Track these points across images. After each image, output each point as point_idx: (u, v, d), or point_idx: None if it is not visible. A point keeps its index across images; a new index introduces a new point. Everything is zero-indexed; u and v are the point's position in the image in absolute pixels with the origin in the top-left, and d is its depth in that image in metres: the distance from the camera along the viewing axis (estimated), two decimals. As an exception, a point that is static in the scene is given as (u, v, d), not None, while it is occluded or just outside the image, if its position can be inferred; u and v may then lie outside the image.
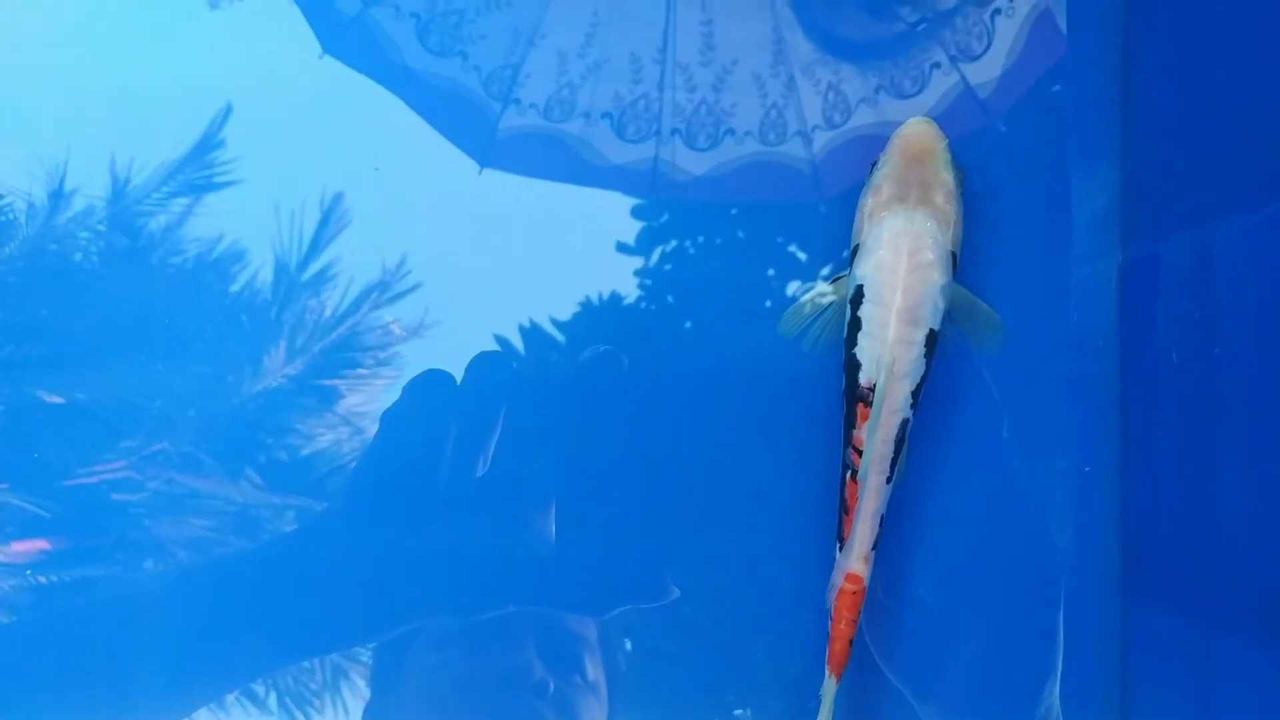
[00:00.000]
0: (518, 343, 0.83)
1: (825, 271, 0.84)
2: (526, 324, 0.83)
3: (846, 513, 0.75)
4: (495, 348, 0.83)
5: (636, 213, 0.85)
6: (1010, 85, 0.85)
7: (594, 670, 0.84)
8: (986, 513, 0.81)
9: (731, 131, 0.84)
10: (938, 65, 0.85)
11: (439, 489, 0.82)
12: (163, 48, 0.84)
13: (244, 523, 0.84)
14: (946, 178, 0.75)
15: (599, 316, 0.84)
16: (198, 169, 0.83)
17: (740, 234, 0.85)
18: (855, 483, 0.74)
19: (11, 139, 0.83)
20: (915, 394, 0.74)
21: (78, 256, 0.83)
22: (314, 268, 0.83)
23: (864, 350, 0.74)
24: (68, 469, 0.83)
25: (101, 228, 0.83)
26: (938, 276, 0.73)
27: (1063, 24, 0.84)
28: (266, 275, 0.83)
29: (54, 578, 0.83)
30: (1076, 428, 0.83)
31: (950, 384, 0.79)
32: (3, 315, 0.83)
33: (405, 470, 0.83)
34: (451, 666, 0.83)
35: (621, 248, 0.84)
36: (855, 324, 0.74)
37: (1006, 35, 0.85)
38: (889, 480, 0.74)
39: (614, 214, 0.85)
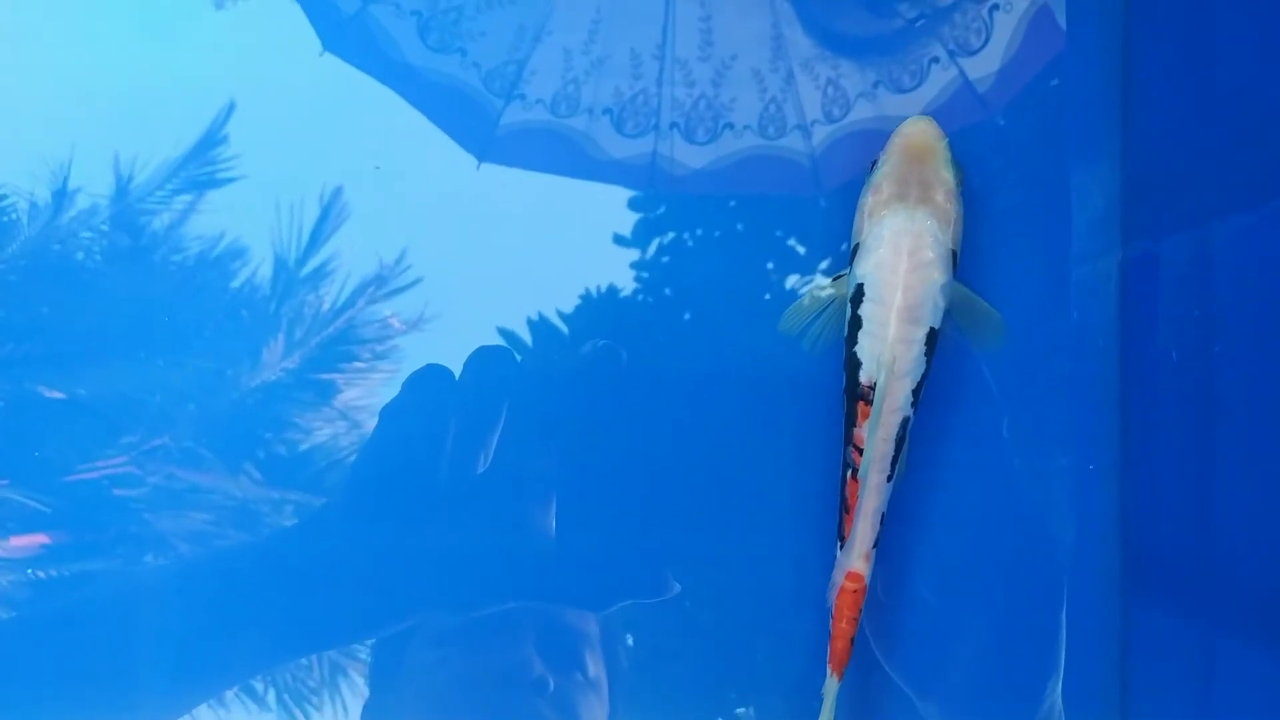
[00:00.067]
0: (517, 337, 0.83)
1: (824, 265, 0.84)
2: (526, 318, 0.83)
3: (847, 511, 0.75)
4: (494, 342, 0.83)
5: (635, 207, 0.85)
6: (1009, 80, 0.85)
7: (595, 667, 0.84)
8: (987, 511, 0.81)
9: (730, 126, 0.84)
10: (936, 60, 0.85)
11: (438, 484, 0.82)
12: (165, 47, 0.84)
13: (243, 517, 0.84)
14: (947, 176, 0.75)
15: (598, 310, 0.84)
16: (200, 166, 0.83)
17: (739, 227, 0.85)
18: (856, 481, 0.74)
19: (14, 139, 0.83)
20: (916, 392, 0.74)
21: (80, 255, 0.83)
22: (313, 263, 0.83)
23: (864, 349, 0.74)
24: (68, 465, 0.83)
25: (104, 226, 0.83)
26: (938, 275, 0.73)
27: (1062, 20, 0.84)
28: (266, 271, 0.83)
29: (54, 572, 0.83)
30: (1076, 427, 0.83)
31: (951, 382, 0.79)
32: (5, 313, 0.83)
33: (404, 465, 0.83)
34: (451, 663, 0.83)
35: (620, 241, 0.84)
36: (856, 322, 0.74)
37: (1005, 30, 0.85)
38: (890, 479, 0.74)
39: (613, 208, 0.85)
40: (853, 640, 0.75)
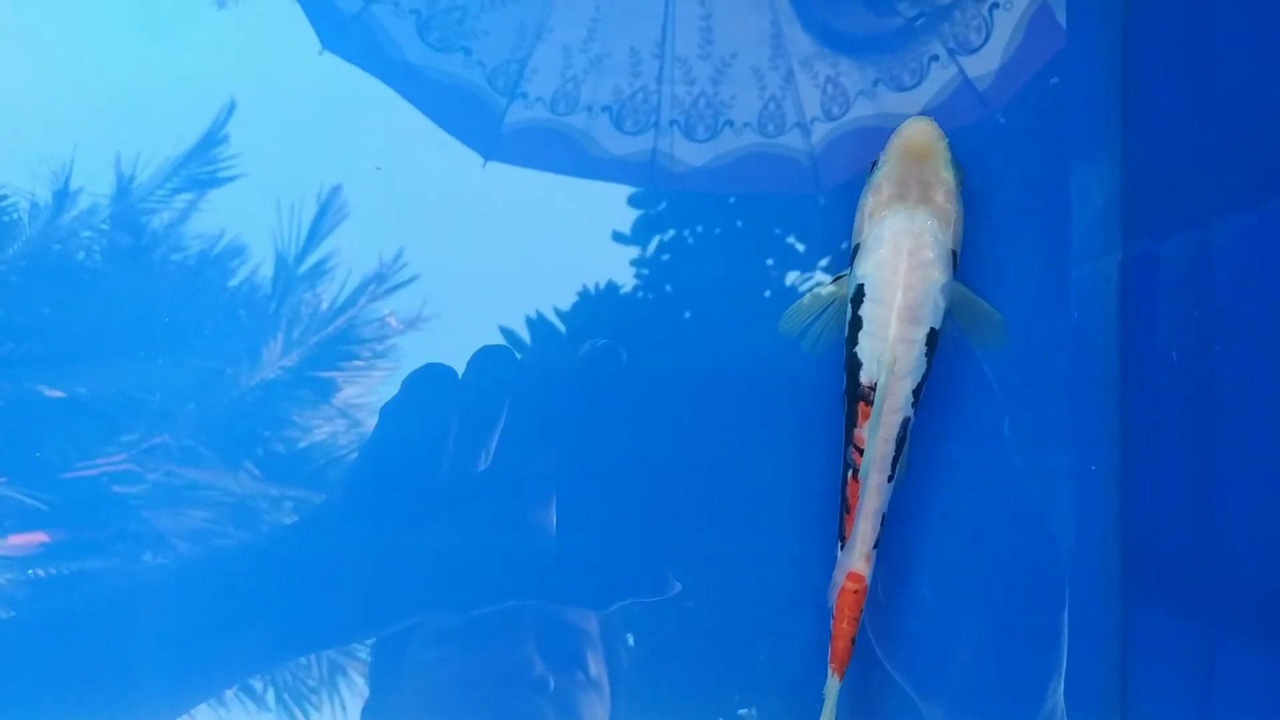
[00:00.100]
0: (518, 336, 0.83)
1: (824, 262, 0.84)
2: (526, 317, 0.83)
3: (848, 511, 0.75)
4: (494, 340, 0.83)
5: (635, 204, 0.85)
6: (1009, 78, 0.85)
7: (596, 667, 0.84)
8: (988, 511, 0.82)
9: (730, 123, 0.84)
10: (936, 58, 0.85)
11: (438, 483, 0.82)
12: (165, 46, 0.84)
13: (242, 514, 0.84)
14: (947, 176, 0.75)
15: (598, 308, 0.84)
16: (200, 165, 0.83)
17: (739, 225, 0.85)
18: (857, 481, 0.74)
19: (14, 139, 0.83)
20: (916, 392, 0.74)
21: (80, 255, 0.83)
22: (312, 261, 0.83)
23: (865, 349, 0.74)
24: (67, 463, 0.83)
25: (105, 226, 0.83)
26: (938, 275, 0.73)
27: (1062, 18, 0.84)
28: (266, 270, 0.83)
29: (53, 571, 0.83)
30: (1076, 426, 0.83)
31: (951, 382, 0.79)
32: (5, 313, 0.83)
33: (405, 464, 0.83)
34: (451, 663, 0.83)
35: (620, 239, 0.85)
36: (856, 323, 0.74)
37: (1005, 28, 0.85)
38: (890, 479, 0.74)
39: (613, 206, 0.85)
40: (854, 640, 0.75)
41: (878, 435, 0.73)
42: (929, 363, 0.74)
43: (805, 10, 0.85)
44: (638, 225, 0.85)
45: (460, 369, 0.82)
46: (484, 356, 0.82)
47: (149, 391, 0.83)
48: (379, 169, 0.83)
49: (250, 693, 0.84)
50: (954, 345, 0.78)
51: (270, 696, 0.84)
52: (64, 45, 0.84)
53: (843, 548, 0.75)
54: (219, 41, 0.84)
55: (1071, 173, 0.83)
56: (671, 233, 0.85)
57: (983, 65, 0.84)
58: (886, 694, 0.81)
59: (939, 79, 0.84)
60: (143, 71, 0.83)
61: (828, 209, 0.84)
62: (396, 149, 0.84)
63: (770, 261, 0.85)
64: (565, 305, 0.84)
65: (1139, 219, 0.82)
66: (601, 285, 0.84)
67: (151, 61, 0.83)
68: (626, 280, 0.84)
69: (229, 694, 0.83)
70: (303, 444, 0.84)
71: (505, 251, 0.84)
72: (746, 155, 0.85)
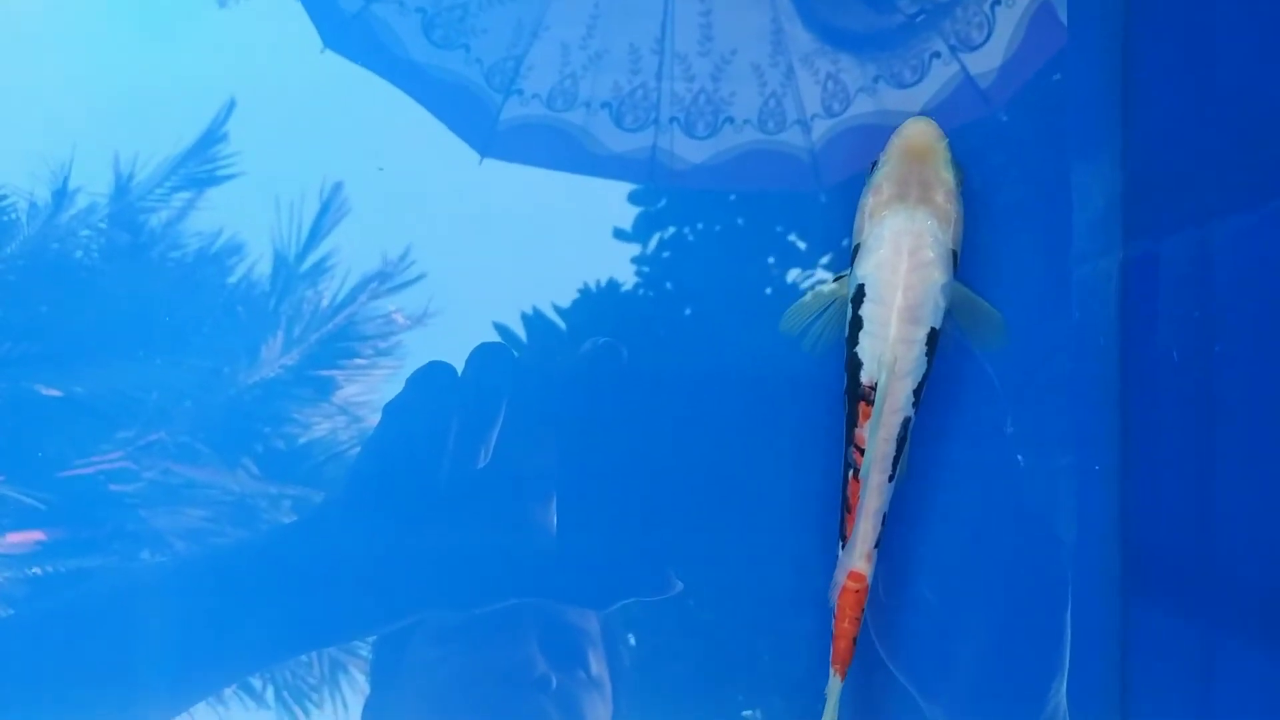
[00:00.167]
0: (518, 333, 0.83)
1: (824, 260, 0.84)
2: (526, 315, 0.83)
3: (849, 511, 0.75)
4: (495, 338, 0.83)
5: (635, 201, 0.84)
6: (1010, 76, 0.84)
7: (597, 665, 0.84)
8: (988, 511, 0.82)
9: (730, 120, 0.84)
10: (937, 55, 0.84)
11: (439, 481, 0.82)
12: (165, 46, 0.83)
13: (241, 512, 0.84)
14: (947, 176, 0.75)
15: (598, 306, 0.84)
16: (200, 164, 0.83)
17: (739, 222, 0.85)
18: (857, 481, 0.74)
19: (14, 139, 0.83)
20: (917, 392, 0.74)
21: (79, 254, 0.83)
22: (312, 259, 0.83)
23: (865, 349, 0.74)
24: (65, 461, 0.83)
25: (103, 225, 0.83)
26: (939, 275, 0.73)
27: (1063, 16, 0.84)
28: (265, 267, 0.83)
29: (50, 569, 0.83)
30: (1077, 426, 0.83)
31: (952, 382, 0.79)
32: (2, 312, 0.83)
33: (405, 462, 0.83)
34: (452, 661, 0.83)
35: (620, 236, 0.84)
36: (857, 323, 0.74)
37: (1007, 25, 0.85)
38: (891, 478, 0.74)
39: (613, 203, 0.85)
40: (855, 640, 0.75)
41: (878, 435, 0.73)
42: (929, 362, 0.74)
43: (806, 6, 0.85)
44: (638, 222, 0.84)
45: (460, 367, 0.82)
46: (483, 354, 0.82)
47: (147, 390, 0.83)
48: (381, 169, 0.83)
49: (250, 690, 0.84)
50: (954, 345, 0.78)
51: (270, 694, 0.84)
52: (64, 45, 0.84)
53: (844, 547, 0.75)
54: (219, 40, 0.83)
55: (1072, 172, 0.83)
56: (672, 230, 0.84)
57: (984, 62, 0.84)
58: (888, 694, 0.81)
59: (940, 76, 0.84)
60: (143, 71, 0.83)
61: (828, 206, 0.84)
62: (397, 147, 0.84)
63: (771, 259, 0.85)
64: (565, 303, 0.84)
65: (1139, 218, 0.82)
66: (602, 283, 0.84)
67: (151, 61, 0.83)
68: (627, 278, 0.84)
69: (228, 692, 0.83)
70: (302, 441, 0.84)
71: (507, 249, 0.84)
72: (747, 152, 0.85)
